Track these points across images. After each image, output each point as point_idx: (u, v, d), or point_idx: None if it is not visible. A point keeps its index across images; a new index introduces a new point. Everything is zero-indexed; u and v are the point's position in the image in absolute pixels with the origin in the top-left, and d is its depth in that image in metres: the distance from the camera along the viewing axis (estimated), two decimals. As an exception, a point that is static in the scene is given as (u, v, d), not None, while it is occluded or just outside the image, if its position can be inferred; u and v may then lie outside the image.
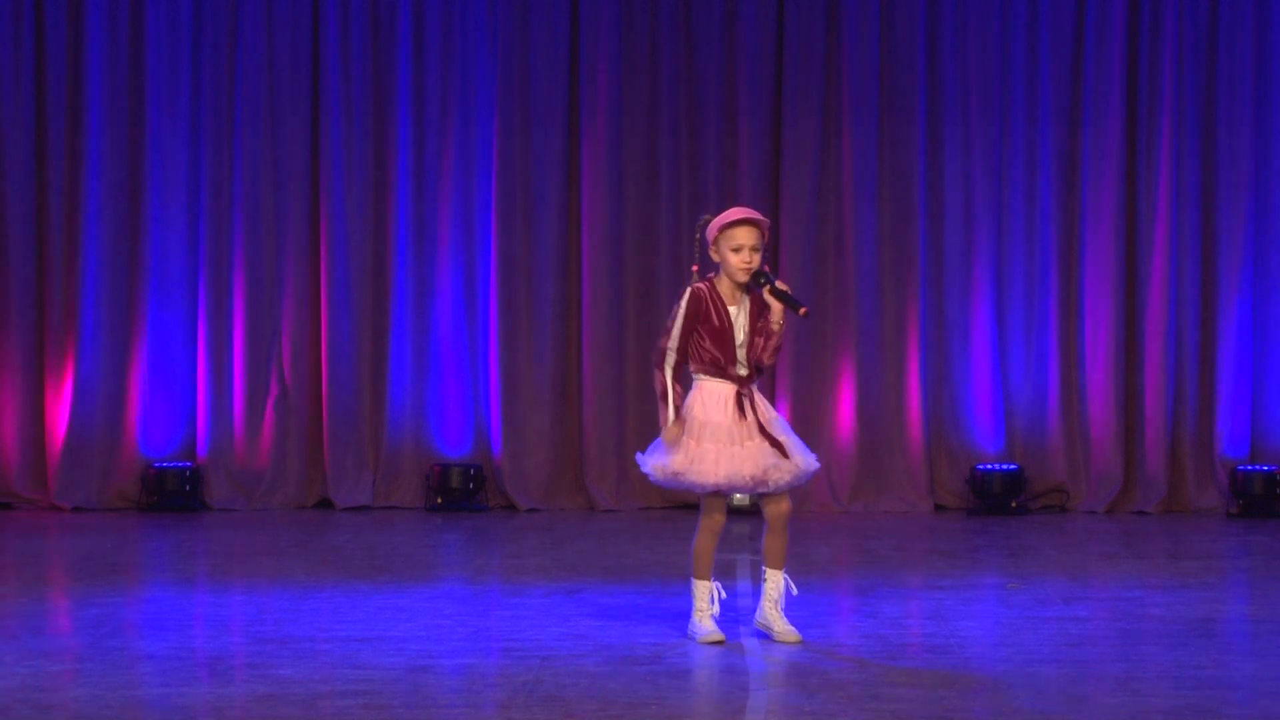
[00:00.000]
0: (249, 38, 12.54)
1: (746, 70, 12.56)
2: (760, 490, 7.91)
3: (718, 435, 7.88)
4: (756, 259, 7.92)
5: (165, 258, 12.60)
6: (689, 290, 7.96)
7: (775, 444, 7.88)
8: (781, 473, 7.88)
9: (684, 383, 8.03)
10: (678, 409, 7.93)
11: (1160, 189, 12.50)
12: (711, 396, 7.92)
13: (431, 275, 12.65)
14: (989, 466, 12.44)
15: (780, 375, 12.51)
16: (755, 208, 12.01)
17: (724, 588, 8.23)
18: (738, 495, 8.09)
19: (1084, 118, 12.54)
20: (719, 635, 7.99)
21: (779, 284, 7.90)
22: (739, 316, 7.95)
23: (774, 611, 8.06)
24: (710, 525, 8.01)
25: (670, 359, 7.94)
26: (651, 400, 12.31)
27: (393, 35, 12.60)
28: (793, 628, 8.03)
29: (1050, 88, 12.56)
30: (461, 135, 12.62)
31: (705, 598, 8.06)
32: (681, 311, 7.94)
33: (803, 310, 7.87)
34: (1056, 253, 12.61)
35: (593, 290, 12.59)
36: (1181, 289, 12.56)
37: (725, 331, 7.90)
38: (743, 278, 7.91)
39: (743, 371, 7.95)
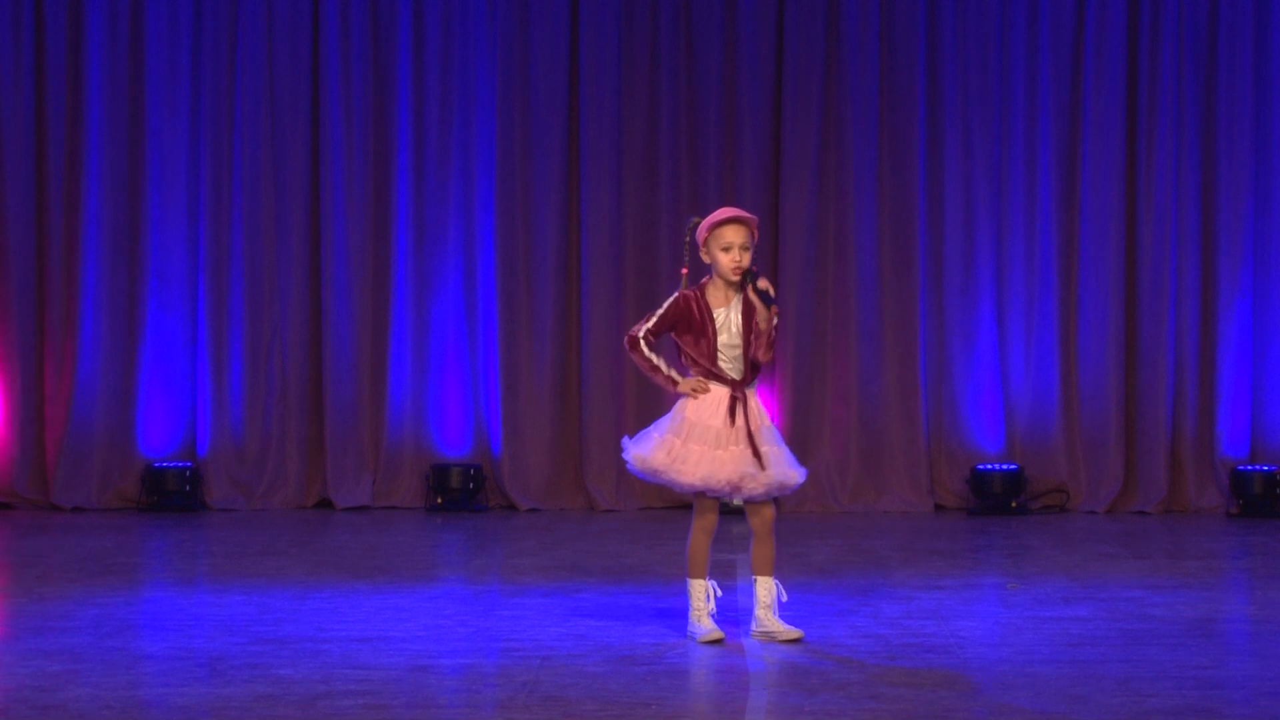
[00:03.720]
0: (249, 38, 12.54)
1: (746, 70, 12.56)
2: (735, 496, 7.96)
3: (705, 437, 7.91)
4: (746, 258, 7.95)
5: (165, 258, 12.60)
6: (676, 294, 8.00)
7: (757, 454, 7.90)
8: (756, 483, 7.92)
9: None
10: (672, 376, 7.97)
11: (1160, 189, 12.50)
12: (705, 399, 7.94)
13: (431, 275, 12.64)
14: (989, 466, 12.43)
15: (780, 375, 12.51)
16: (755, 208, 12.12)
17: (722, 587, 8.24)
18: (734, 499, 8.10)
19: (1084, 118, 12.54)
20: (718, 634, 8.00)
21: (761, 283, 7.91)
22: (728, 317, 7.97)
23: (768, 616, 8.06)
24: (702, 525, 8.03)
25: (645, 345, 7.98)
26: (651, 398, 12.40)
27: (393, 35, 12.60)
28: (790, 626, 8.04)
29: (1050, 88, 12.56)
30: (461, 135, 12.62)
31: (701, 596, 8.07)
32: (662, 310, 7.99)
33: (773, 308, 7.88)
34: (1056, 253, 12.60)
35: (593, 290, 12.59)
36: (1181, 289, 12.55)
37: (706, 333, 7.92)
38: (734, 277, 7.94)
39: (734, 375, 7.97)
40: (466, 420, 12.66)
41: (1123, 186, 12.55)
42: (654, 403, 12.49)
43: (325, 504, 12.64)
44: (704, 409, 7.93)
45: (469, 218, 12.64)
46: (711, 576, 8.13)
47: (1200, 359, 12.58)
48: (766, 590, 8.07)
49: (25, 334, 12.56)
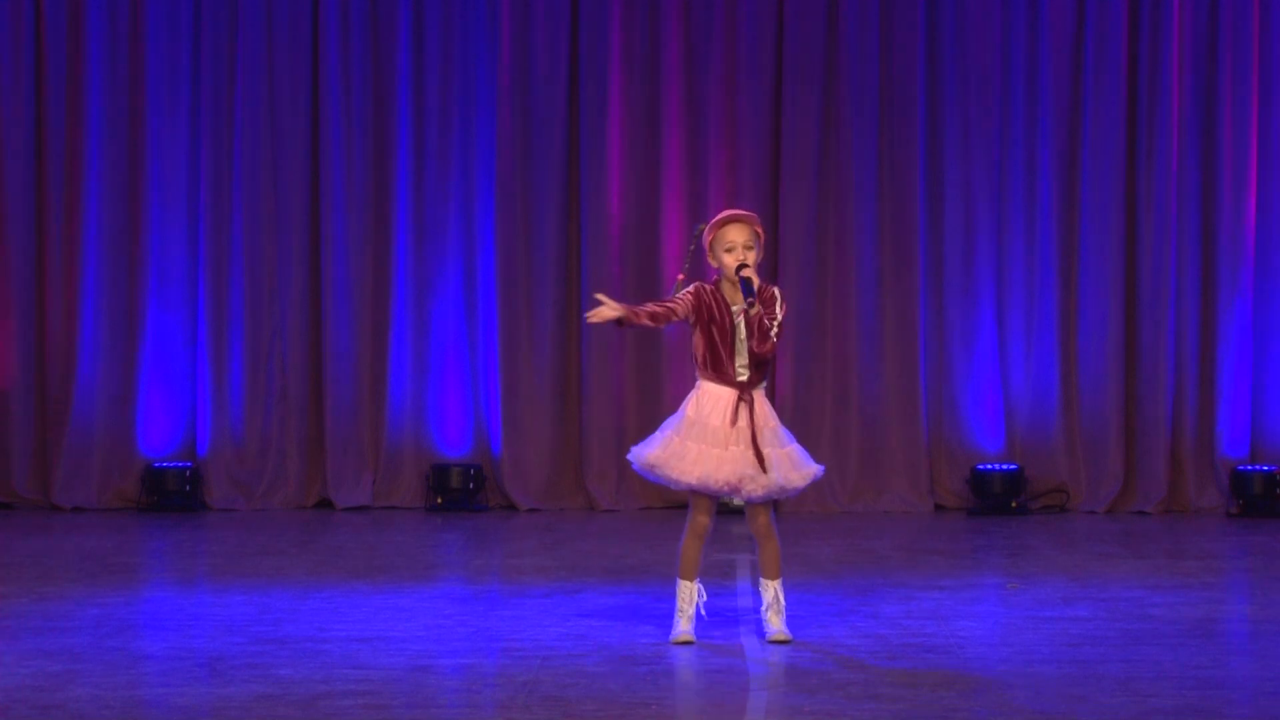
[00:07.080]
0: (249, 38, 12.54)
1: (746, 70, 12.55)
2: (735, 497, 7.94)
3: (704, 436, 7.88)
4: (751, 256, 7.92)
5: (165, 258, 12.60)
6: (694, 284, 7.97)
7: (759, 455, 7.87)
8: (756, 485, 7.88)
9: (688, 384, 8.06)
10: (629, 316, 7.87)
11: (1160, 189, 12.49)
12: (708, 397, 7.93)
13: (431, 275, 12.64)
14: (989, 466, 12.43)
15: (780, 375, 12.51)
16: (755, 208, 12.10)
17: (721, 588, 8.23)
18: (734, 499, 8.07)
19: (1084, 118, 12.54)
20: (688, 637, 7.97)
21: (744, 271, 7.85)
22: (738, 319, 7.95)
23: (766, 617, 8.04)
24: (694, 527, 8.01)
25: (654, 304, 7.95)
26: (651, 398, 12.42)
27: (393, 36, 12.60)
28: (782, 629, 8.01)
29: (1050, 88, 12.56)
30: (461, 135, 12.61)
31: (685, 598, 8.06)
32: (689, 290, 7.93)
33: (748, 300, 7.83)
34: (1056, 253, 12.60)
35: (592, 290, 12.56)
36: (1181, 289, 12.55)
37: (726, 329, 7.91)
38: (736, 275, 7.93)
39: (742, 376, 7.94)
40: (466, 420, 12.66)
41: (1123, 186, 12.54)
42: (654, 402, 12.50)
43: (325, 504, 12.64)
44: (706, 407, 7.91)
45: (469, 218, 12.64)
46: (709, 577, 8.11)
47: (1200, 359, 12.58)
48: (766, 592, 8.06)
49: (25, 334, 12.56)
